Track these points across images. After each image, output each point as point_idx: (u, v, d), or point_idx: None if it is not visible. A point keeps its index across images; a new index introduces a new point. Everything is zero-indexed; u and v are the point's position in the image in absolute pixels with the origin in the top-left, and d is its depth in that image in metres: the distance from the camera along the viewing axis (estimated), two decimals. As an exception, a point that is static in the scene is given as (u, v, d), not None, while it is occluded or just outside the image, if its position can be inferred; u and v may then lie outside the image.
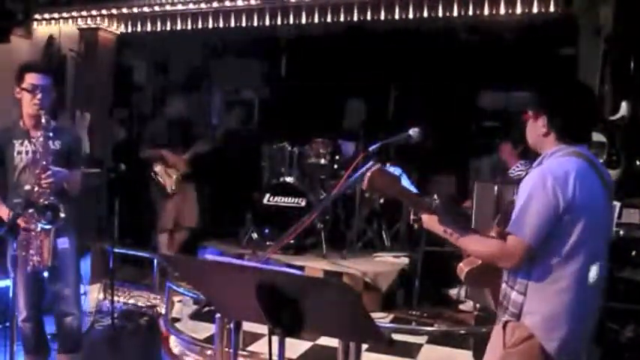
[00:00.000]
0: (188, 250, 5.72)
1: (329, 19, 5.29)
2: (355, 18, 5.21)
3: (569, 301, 2.04)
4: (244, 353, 3.70)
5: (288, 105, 7.33)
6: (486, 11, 4.83)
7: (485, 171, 6.02)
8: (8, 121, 3.40)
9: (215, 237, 6.02)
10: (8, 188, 3.18)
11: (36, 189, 3.05)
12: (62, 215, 3.03)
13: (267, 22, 5.53)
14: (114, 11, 5.87)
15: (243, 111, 7.72)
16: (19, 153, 3.15)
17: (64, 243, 3.16)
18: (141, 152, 5.66)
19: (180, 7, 5.61)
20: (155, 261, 5.26)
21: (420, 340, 4.15)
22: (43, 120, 3.09)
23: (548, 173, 2.02)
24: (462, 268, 2.23)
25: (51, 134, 3.14)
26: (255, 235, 5.62)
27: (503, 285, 2.14)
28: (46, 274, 3.17)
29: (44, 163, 3.05)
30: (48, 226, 3.05)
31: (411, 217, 2.21)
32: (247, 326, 3.25)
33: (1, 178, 3.22)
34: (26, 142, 3.15)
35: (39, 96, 3.09)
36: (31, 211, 3.03)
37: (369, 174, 2.05)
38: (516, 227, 2.00)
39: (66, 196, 3.20)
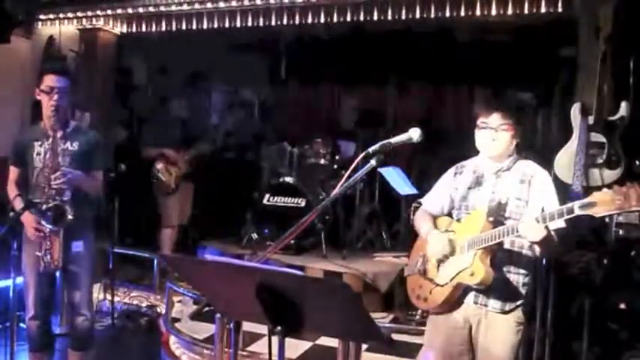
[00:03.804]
0: (187, 249, 5.72)
1: (329, 19, 5.29)
2: (355, 18, 5.21)
3: None
4: (244, 353, 3.70)
5: (288, 105, 7.32)
6: (486, 11, 4.83)
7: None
8: (8, 119, 3.44)
9: (215, 237, 6.02)
10: (30, 189, 3.21)
11: (46, 190, 3.08)
12: (69, 217, 3.05)
13: (267, 22, 5.53)
14: (114, 11, 5.87)
15: (243, 111, 7.72)
16: (39, 154, 3.19)
17: (77, 246, 3.20)
18: (142, 152, 5.70)
19: (180, 7, 5.61)
20: (155, 261, 5.27)
21: (420, 340, 4.13)
22: (51, 121, 3.13)
23: None
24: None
25: (62, 135, 3.19)
26: (255, 235, 5.62)
27: (510, 275, 2.40)
28: (58, 274, 3.21)
29: (53, 163, 3.09)
30: (50, 227, 3.06)
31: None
32: (247, 326, 3.24)
33: (23, 179, 3.28)
34: (45, 143, 3.17)
35: (55, 97, 3.13)
36: (33, 211, 3.05)
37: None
38: None
39: (83, 197, 3.23)
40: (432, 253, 2.48)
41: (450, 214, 2.59)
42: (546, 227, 2.14)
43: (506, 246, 2.37)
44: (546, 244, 2.25)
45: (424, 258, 2.55)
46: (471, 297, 2.43)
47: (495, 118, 2.42)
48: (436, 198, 2.68)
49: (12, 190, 3.29)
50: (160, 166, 5.59)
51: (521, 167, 2.47)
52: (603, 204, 2.00)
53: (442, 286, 2.43)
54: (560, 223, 2.21)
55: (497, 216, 2.36)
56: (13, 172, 3.32)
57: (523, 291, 2.40)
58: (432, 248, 2.48)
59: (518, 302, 2.40)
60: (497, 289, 2.37)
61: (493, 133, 2.42)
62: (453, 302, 2.44)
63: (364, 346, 3.45)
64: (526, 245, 2.39)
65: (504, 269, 2.39)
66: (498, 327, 2.39)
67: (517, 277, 2.40)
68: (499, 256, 2.37)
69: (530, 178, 2.42)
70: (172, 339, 4.19)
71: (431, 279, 2.49)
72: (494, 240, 2.27)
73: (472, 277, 2.31)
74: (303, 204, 5.46)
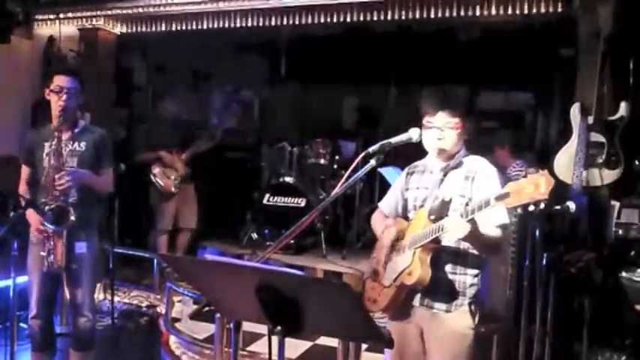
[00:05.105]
0: (188, 250, 5.72)
1: (329, 19, 5.29)
2: (355, 18, 5.21)
3: None
4: (244, 353, 3.70)
5: (288, 105, 7.32)
6: (486, 11, 4.83)
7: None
8: (8, 119, 3.44)
9: (215, 237, 6.02)
10: (40, 189, 3.22)
11: (51, 190, 3.09)
12: (72, 218, 3.05)
13: (267, 22, 5.53)
14: (114, 11, 5.87)
15: (243, 111, 7.71)
16: (47, 154, 3.18)
17: (81, 248, 3.19)
18: (137, 156, 5.63)
19: (180, 7, 5.61)
20: (155, 261, 5.27)
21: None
22: (58, 121, 3.14)
23: None
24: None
25: (70, 135, 3.20)
26: (255, 235, 5.62)
27: (455, 276, 2.35)
28: (61, 275, 3.21)
29: (58, 163, 3.10)
30: (52, 227, 3.06)
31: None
32: (247, 326, 3.23)
33: (33, 179, 3.28)
34: (53, 143, 3.17)
35: (63, 97, 3.15)
36: (34, 211, 3.06)
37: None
38: None
39: (91, 198, 3.23)
40: (383, 244, 2.45)
41: (406, 217, 2.52)
42: (470, 221, 2.09)
43: (452, 245, 2.31)
44: (475, 240, 2.20)
45: (376, 260, 2.51)
46: (417, 299, 2.38)
47: (440, 117, 2.36)
48: (389, 199, 2.64)
49: (22, 190, 3.30)
50: (156, 170, 5.47)
51: (467, 164, 2.42)
52: (516, 195, 1.93)
53: (388, 287, 2.39)
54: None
55: (441, 214, 2.26)
56: (25, 171, 3.33)
57: (470, 292, 2.34)
58: (383, 239, 2.46)
59: (464, 303, 2.34)
60: (441, 290, 2.33)
61: (439, 132, 2.37)
62: (399, 304, 2.39)
63: (364, 346, 3.45)
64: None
65: (449, 269, 2.34)
66: (445, 328, 2.34)
67: (464, 277, 2.34)
68: (445, 256, 2.33)
69: (474, 175, 2.36)
70: (172, 339, 4.19)
71: (380, 281, 2.45)
72: (427, 238, 2.22)
73: (410, 276, 2.26)
74: (303, 204, 5.46)
